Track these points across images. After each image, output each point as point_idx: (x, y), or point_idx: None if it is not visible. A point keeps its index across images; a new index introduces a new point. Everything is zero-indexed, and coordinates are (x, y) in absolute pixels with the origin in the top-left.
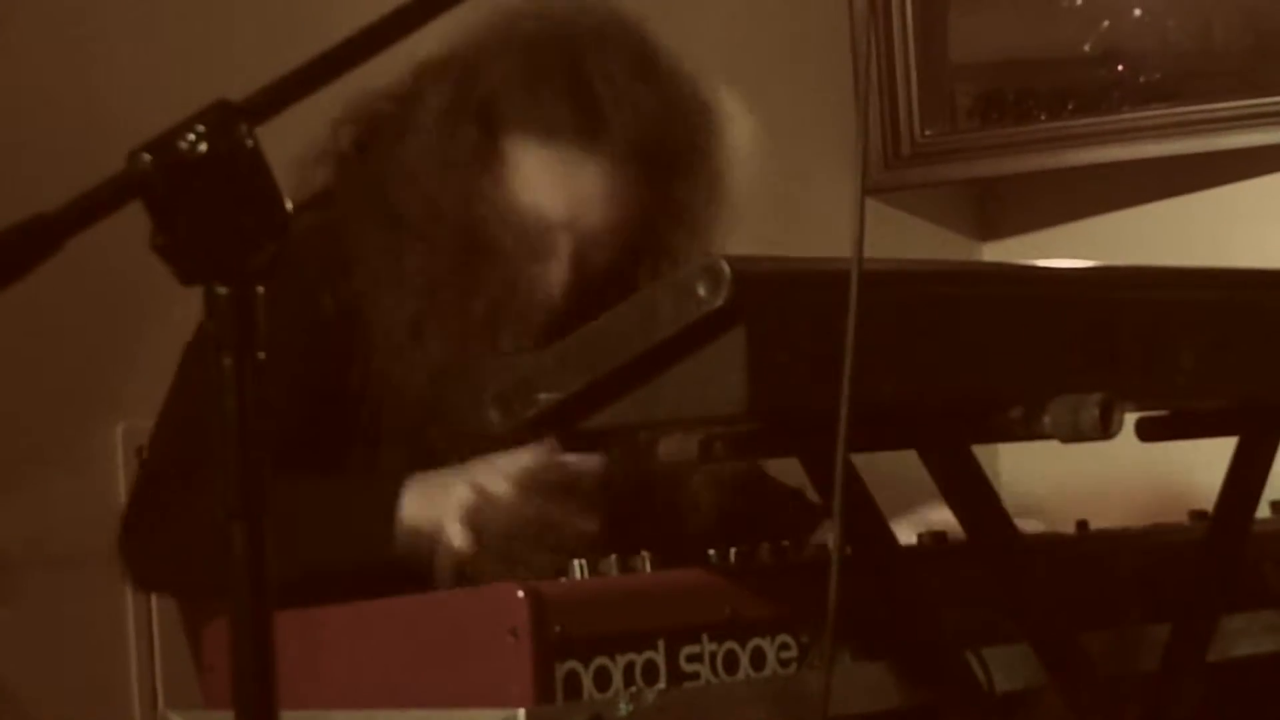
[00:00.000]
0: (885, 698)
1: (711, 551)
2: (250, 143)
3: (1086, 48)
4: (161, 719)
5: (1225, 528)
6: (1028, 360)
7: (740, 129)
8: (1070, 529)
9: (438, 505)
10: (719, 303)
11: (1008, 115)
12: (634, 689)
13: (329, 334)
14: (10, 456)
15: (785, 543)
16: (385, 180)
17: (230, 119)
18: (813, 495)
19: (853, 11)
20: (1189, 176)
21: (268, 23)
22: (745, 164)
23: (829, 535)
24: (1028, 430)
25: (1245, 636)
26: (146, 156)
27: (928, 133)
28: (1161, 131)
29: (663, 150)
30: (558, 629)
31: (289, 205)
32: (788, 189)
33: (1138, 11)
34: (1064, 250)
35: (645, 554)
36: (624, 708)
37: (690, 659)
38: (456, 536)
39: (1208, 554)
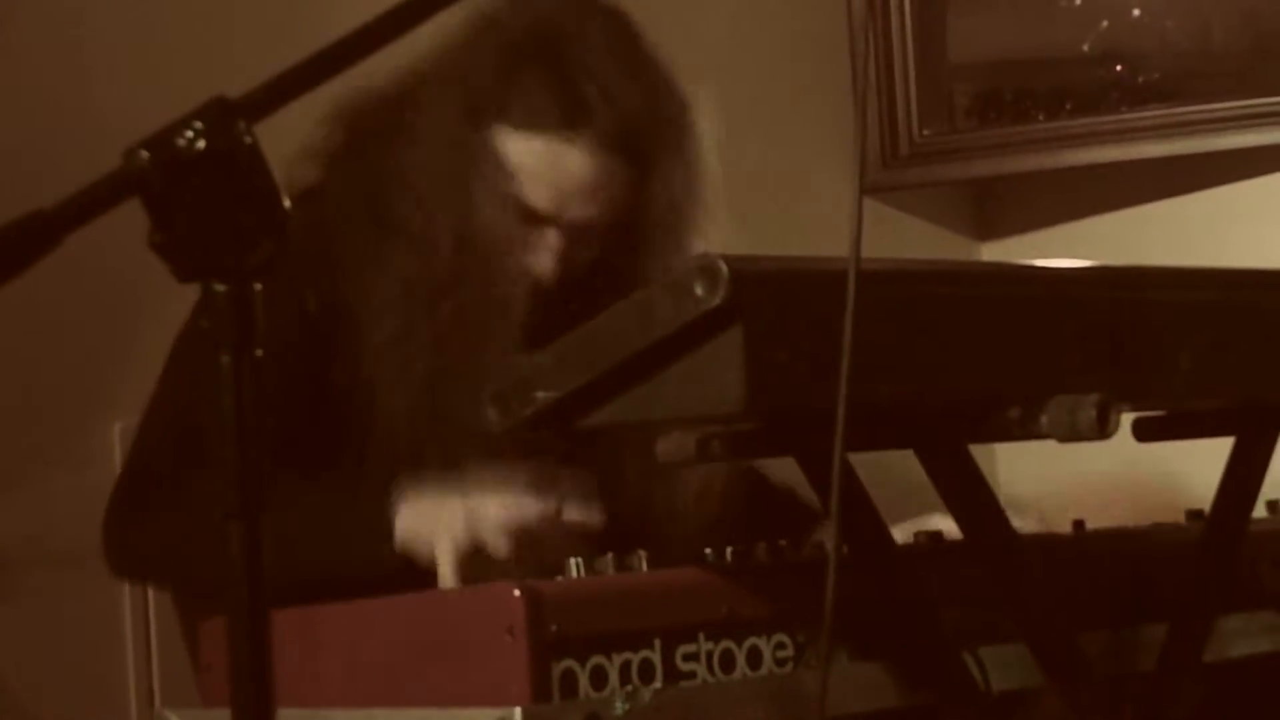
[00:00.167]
0: (882, 697)
1: (708, 550)
2: (248, 140)
3: (1085, 48)
4: (158, 717)
5: (1222, 528)
6: (1025, 360)
7: (709, 121)
8: (1067, 529)
9: (431, 531)
10: (717, 302)
11: (1006, 115)
12: (630, 688)
13: (313, 331)
14: (8, 455)
15: (782, 542)
16: (374, 179)
17: (228, 116)
18: (808, 495)
19: (851, 11)
20: (1187, 177)
21: (265, 22)
22: (715, 156)
23: (826, 534)
24: (1025, 430)
25: (1242, 636)
26: (144, 153)
27: (926, 132)
28: (1160, 132)
29: (644, 140)
30: (554, 628)
31: (287, 203)
32: (786, 188)
33: (1136, 12)
34: (1062, 250)
35: (641, 553)
36: (620, 706)
37: (686, 658)
38: (448, 581)
39: (1204, 554)
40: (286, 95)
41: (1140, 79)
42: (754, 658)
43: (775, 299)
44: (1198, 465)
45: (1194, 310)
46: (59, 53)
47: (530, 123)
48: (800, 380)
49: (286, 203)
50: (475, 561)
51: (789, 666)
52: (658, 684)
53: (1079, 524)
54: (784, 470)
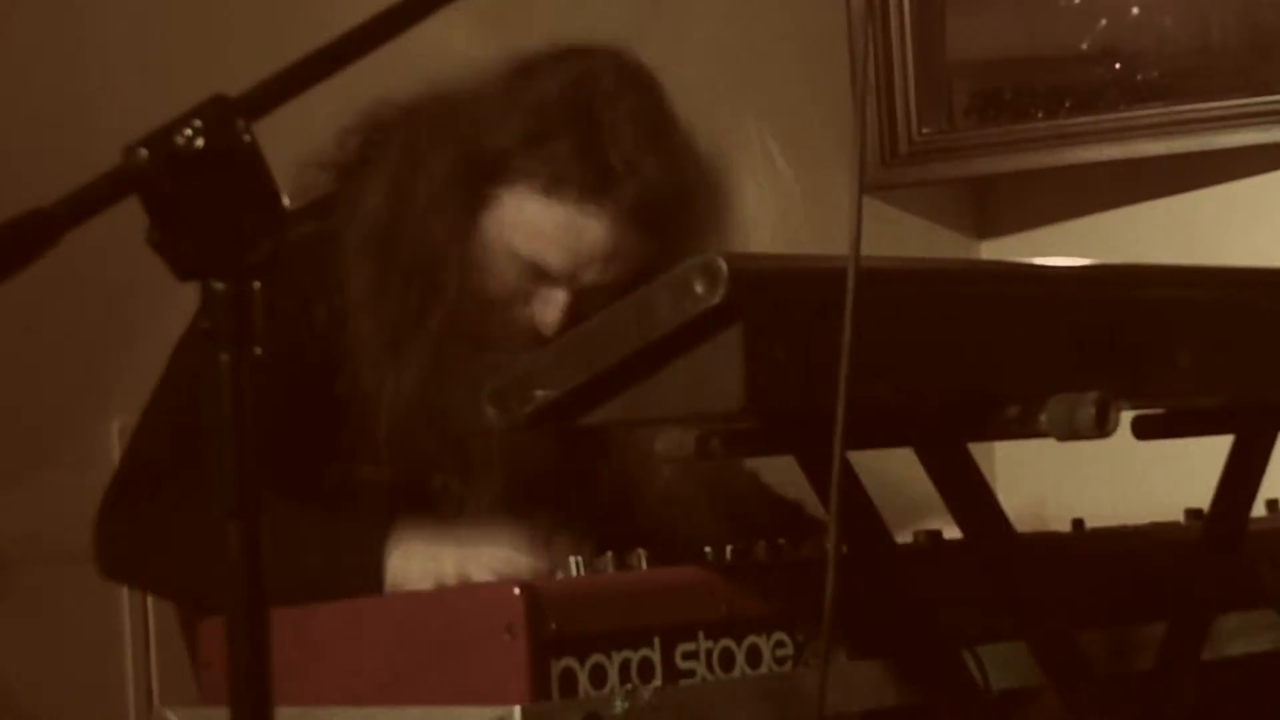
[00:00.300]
0: (881, 696)
1: (707, 549)
2: (247, 138)
3: (1084, 46)
4: (157, 715)
5: (1221, 526)
6: (1024, 358)
7: (757, 194)
8: (1066, 527)
9: (422, 576)
10: (716, 300)
11: (1005, 113)
12: (629, 686)
13: (318, 342)
14: (6, 454)
15: (781, 541)
16: (385, 201)
17: (227, 114)
18: (812, 504)
19: (850, 10)
20: (1186, 175)
21: (264, 20)
22: (759, 229)
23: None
24: (1024, 429)
25: (1241, 635)
26: (143, 151)
27: (925, 131)
28: (1158, 130)
29: (668, 213)
30: (553, 626)
31: (286, 201)
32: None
33: (1135, 10)
34: (1061, 248)
35: (641, 551)
36: (619, 705)
37: (686, 656)
38: None
39: (1203, 553)
40: (285, 93)
41: (1139, 77)
42: (753, 656)
43: (775, 297)
44: (1197, 464)
45: (1193, 308)
46: (58, 51)
47: (553, 189)
48: (800, 378)
49: (286, 201)
50: None
51: (788, 665)
52: (657, 682)
53: (1078, 523)
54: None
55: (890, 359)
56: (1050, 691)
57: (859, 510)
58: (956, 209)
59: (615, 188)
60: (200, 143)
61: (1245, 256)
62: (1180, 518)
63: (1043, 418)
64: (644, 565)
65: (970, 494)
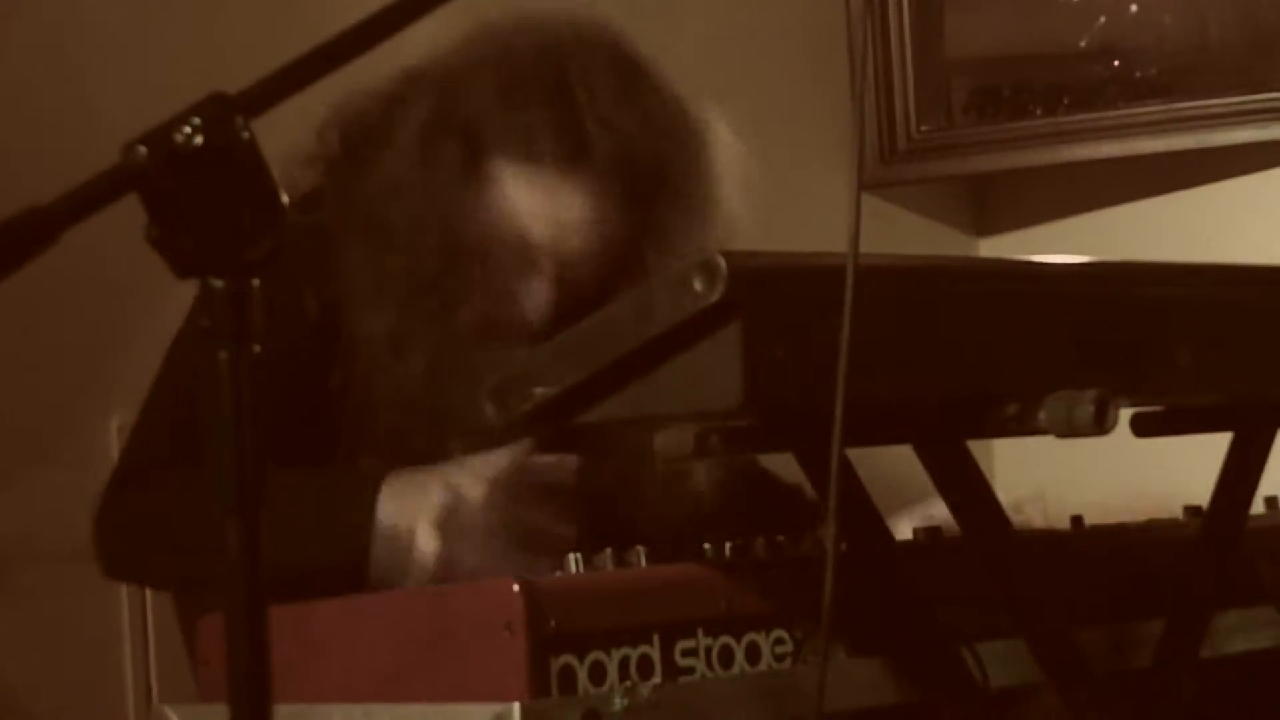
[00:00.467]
0: (880, 693)
1: (707, 546)
2: (246, 135)
3: (1082, 43)
4: (156, 713)
5: (1220, 524)
6: (1023, 356)
7: (729, 151)
8: (1065, 525)
9: (413, 507)
10: (715, 297)
11: (1003, 111)
12: (629, 683)
13: (312, 336)
14: (4, 452)
15: (780, 537)
16: (370, 188)
17: (226, 111)
18: (810, 491)
19: (849, 7)
20: (1185, 172)
21: (263, 18)
22: (734, 186)
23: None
24: (1023, 426)
25: (1239, 633)
26: (142, 149)
27: (924, 128)
28: (1157, 127)
29: (646, 172)
30: (553, 623)
31: (285, 198)
32: (784, 184)
33: (1134, 7)
34: (1060, 246)
35: (640, 548)
36: (619, 702)
37: (685, 653)
38: (429, 540)
39: (1202, 550)
40: (285, 91)
41: (1137, 74)
42: (752, 653)
43: (774, 295)
44: (1196, 461)
45: (1192, 306)
46: (57, 48)
47: (530, 155)
48: (798, 376)
49: (285, 199)
50: (456, 519)
51: (787, 662)
52: (656, 679)
53: (1077, 520)
54: (784, 467)
55: (889, 356)
56: (1049, 689)
57: (858, 507)
58: (955, 206)
59: (592, 152)
60: (199, 140)
61: (1244, 253)
62: (1179, 515)
63: (1041, 415)
64: (643, 562)
65: (969, 492)
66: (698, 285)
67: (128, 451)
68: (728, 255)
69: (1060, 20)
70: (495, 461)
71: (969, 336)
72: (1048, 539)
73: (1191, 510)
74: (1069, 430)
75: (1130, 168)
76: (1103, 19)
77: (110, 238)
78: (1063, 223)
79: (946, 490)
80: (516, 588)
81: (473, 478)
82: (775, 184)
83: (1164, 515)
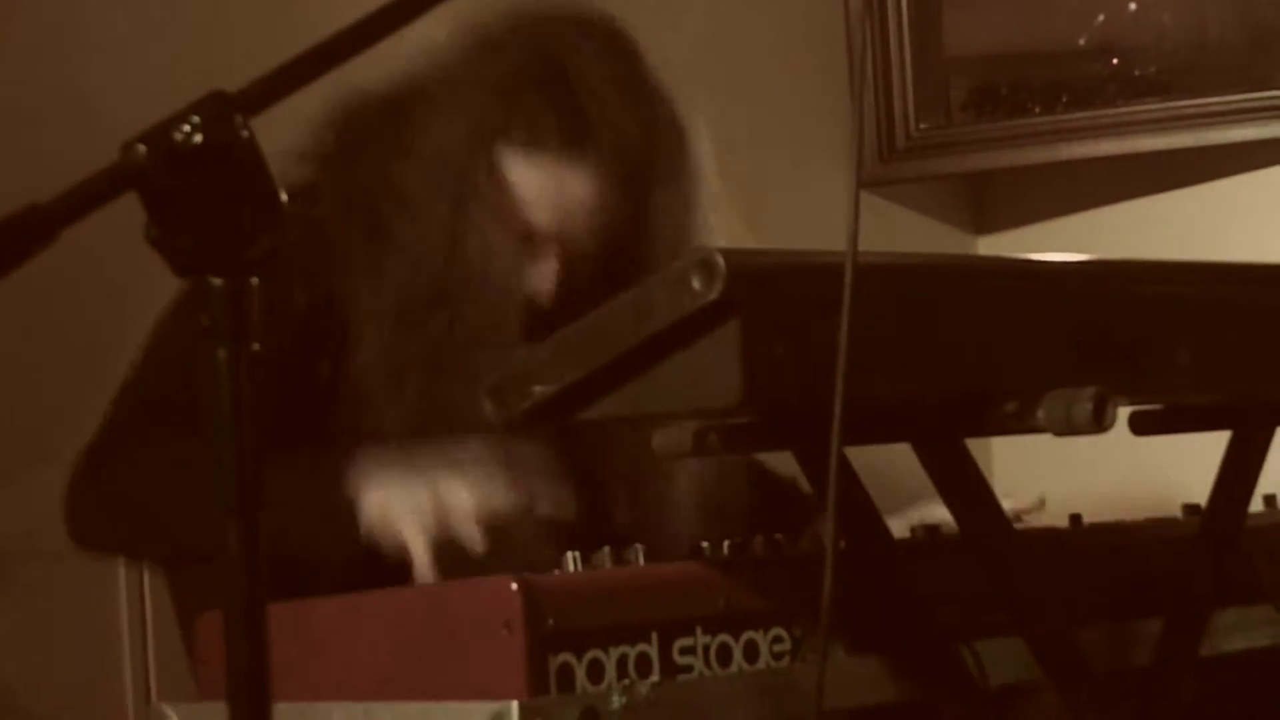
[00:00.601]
0: (879, 691)
1: (705, 544)
2: (245, 134)
3: (1081, 41)
4: (155, 711)
5: (1218, 522)
6: (1022, 354)
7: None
8: (1064, 523)
9: (400, 522)
10: (713, 295)
11: (1002, 109)
12: (627, 681)
13: (301, 326)
14: (4, 450)
15: (779, 536)
16: (367, 187)
17: (226, 110)
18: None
19: (848, 6)
20: (1183, 170)
21: (263, 16)
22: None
23: (823, 528)
24: (1022, 424)
25: (1238, 631)
26: (141, 147)
27: (922, 126)
28: (1156, 125)
29: (645, 160)
30: (551, 621)
31: (284, 197)
32: (783, 182)
33: (1133, 6)
34: (1058, 244)
35: (638, 546)
36: (617, 700)
37: (683, 652)
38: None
39: (1201, 548)
40: (284, 89)
41: (1136, 73)
42: (751, 652)
43: (772, 293)
44: (1194, 459)
45: (1191, 304)
46: (56, 46)
47: (532, 142)
48: (797, 374)
49: (284, 197)
50: (447, 552)
51: (786, 661)
52: (654, 678)
53: (1076, 518)
54: (782, 465)
55: (888, 354)
56: (1048, 687)
57: (856, 506)
58: (954, 204)
59: (593, 136)
60: (198, 138)
61: (1243, 252)
62: (1178, 513)
63: (1040, 413)
64: (641, 560)
65: (968, 490)
66: (696, 283)
67: (106, 425)
68: (726, 253)
69: (1059, 18)
70: (490, 497)
71: (968, 335)
72: (1046, 538)
73: (1190, 509)
74: (1067, 428)
75: (1129, 166)
76: (1101, 17)
77: (110, 237)
78: (1061, 221)
79: (945, 489)
80: (515, 586)
81: (465, 517)
82: (774, 182)
83: (1162, 514)
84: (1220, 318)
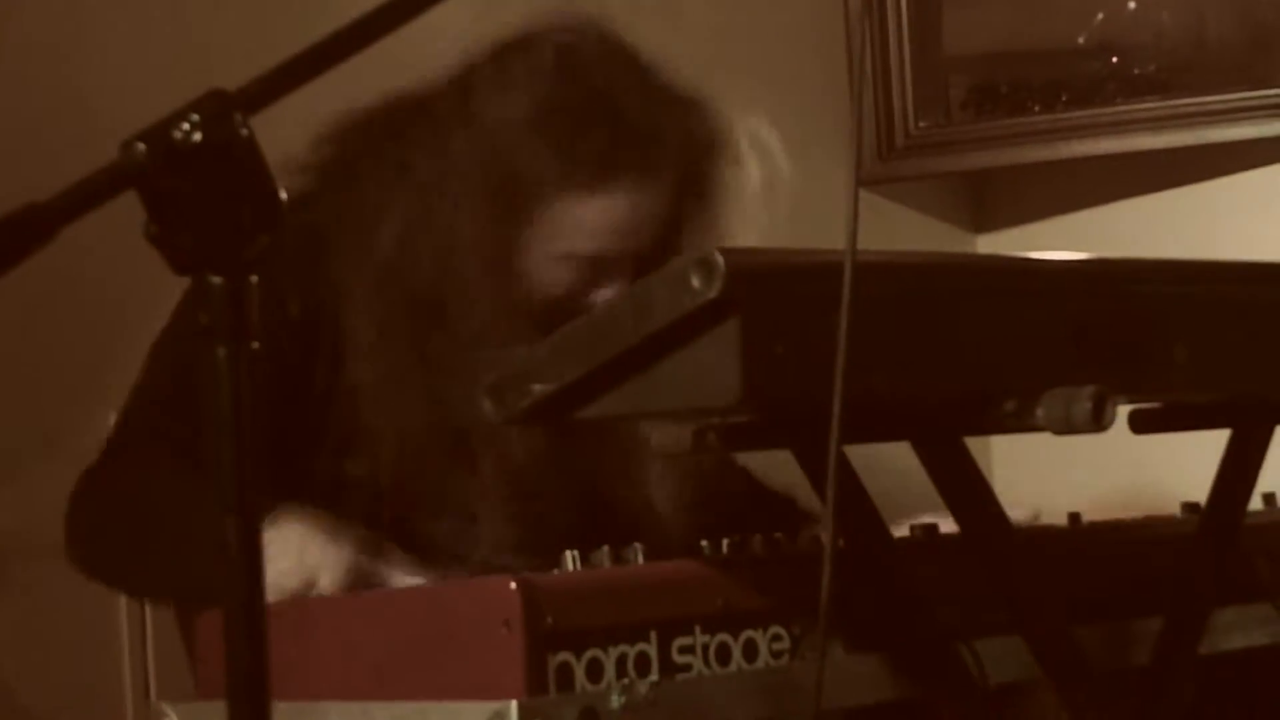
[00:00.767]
0: (878, 690)
1: (704, 543)
2: (245, 132)
3: (1080, 40)
4: (154, 710)
5: (1218, 521)
6: (1021, 352)
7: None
8: (1063, 521)
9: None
10: (713, 294)
11: (1001, 107)
12: (626, 680)
13: (292, 336)
14: (4, 447)
15: (778, 535)
16: (369, 206)
17: (225, 108)
18: (807, 495)
19: (848, 5)
20: (1183, 169)
21: (262, 14)
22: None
23: (822, 527)
24: (1021, 423)
25: (1237, 629)
26: (141, 146)
27: (922, 125)
28: (1155, 124)
29: (680, 178)
30: (550, 621)
31: (284, 195)
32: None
33: (1132, 4)
34: (1057, 242)
35: (638, 545)
36: (616, 699)
37: (682, 650)
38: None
39: (1200, 547)
40: (284, 88)
41: (1135, 71)
42: (750, 650)
43: (771, 291)
44: (1194, 458)
45: (1190, 303)
46: (56, 45)
47: (567, 174)
48: (796, 373)
49: (283, 195)
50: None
51: (785, 659)
52: (654, 677)
53: (1075, 517)
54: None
55: (887, 353)
56: (1047, 686)
57: (855, 504)
58: (953, 203)
59: (628, 162)
60: (198, 137)
61: (1242, 250)
62: (1177, 512)
63: (1039, 412)
64: (640, 560)
65: (967, 488)
66: (696, 282)
67: (102, 450)
68: (725, 252)
69: (1058, 17)
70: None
71: (967, 333)
72: (1046, 536)
73: (1189, 507)
74: (1067, 427)
75: (1128, 164)
76: (1101, 16)
77: (109, 236)
78: (1061, 219)
79: (945, 487)
80: (514, 585)
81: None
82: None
83: (1162, 512)
84: (1220, 316)
